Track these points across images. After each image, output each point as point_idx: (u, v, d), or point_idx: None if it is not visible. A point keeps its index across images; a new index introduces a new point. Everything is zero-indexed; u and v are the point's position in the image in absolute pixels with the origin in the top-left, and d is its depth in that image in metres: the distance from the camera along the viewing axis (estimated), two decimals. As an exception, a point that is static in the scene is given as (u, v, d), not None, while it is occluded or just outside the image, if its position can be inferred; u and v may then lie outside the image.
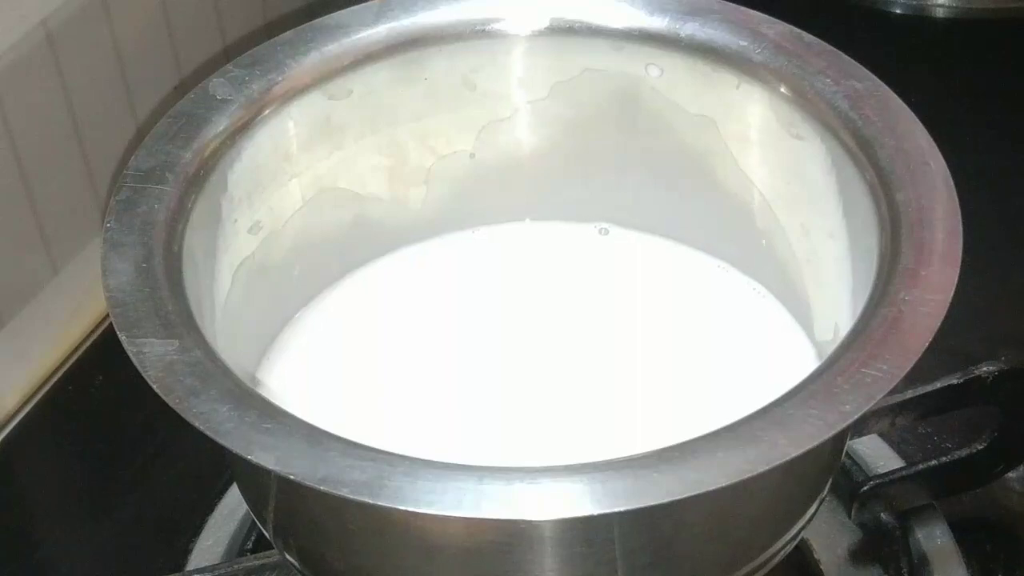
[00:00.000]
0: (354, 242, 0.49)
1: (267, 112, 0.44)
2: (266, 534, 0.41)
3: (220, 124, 0.42)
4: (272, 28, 0.68)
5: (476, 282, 0.50)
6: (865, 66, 0.43)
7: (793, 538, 0.40)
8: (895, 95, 0.42)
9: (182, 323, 0.36)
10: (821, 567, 0.47)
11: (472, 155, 0.49)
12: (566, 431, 0.44)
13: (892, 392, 0.34)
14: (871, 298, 0.36)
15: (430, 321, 0.48)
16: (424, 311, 0.49)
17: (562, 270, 0.50)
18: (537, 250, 0.51)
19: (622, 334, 0.47)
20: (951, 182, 0.39)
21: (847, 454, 0.48)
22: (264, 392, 0.36)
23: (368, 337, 0.48)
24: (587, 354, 0.47)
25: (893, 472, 0.47)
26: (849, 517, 0.48)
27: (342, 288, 0.49)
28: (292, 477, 0.32)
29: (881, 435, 0.50)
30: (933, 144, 0.40)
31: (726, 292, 0.49)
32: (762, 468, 0.31)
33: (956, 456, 0.45)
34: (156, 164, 0.41)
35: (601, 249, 0.51)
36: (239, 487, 0.43)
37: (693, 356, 0.46)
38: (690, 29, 0.45)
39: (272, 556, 0.43)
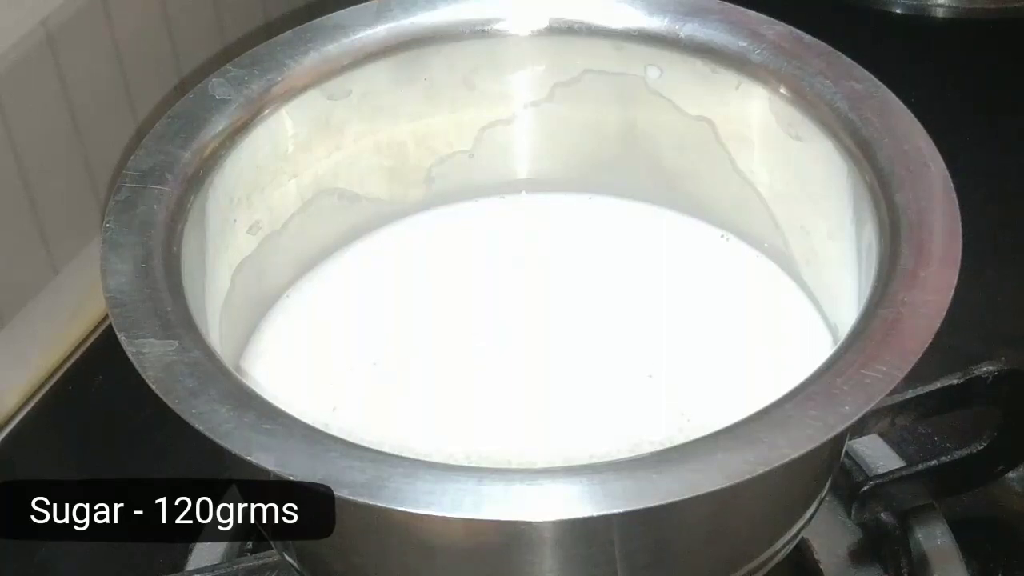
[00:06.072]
0: (353, 242, 0.49)
1: (266, 112, 0.44)
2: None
3: (219, 124, 0.42)
4: (272, 28, 0.68)
5: (469, 258, 0.49)
6: (865, 66, 0.43)
7: (793, 538, 0.40)
8: (894, 96, 0.42)
9: (181, 323, 0.36)
10: (821, 567, 0.47)
11: (471, 155, 0.49)
12: (576, 412, 0.43)
13: (892, 392, 0.34)
14: (871, 299, 0.36)
15: (420, 298, 0.47)
16: (413, 288, 0.48)
17: (558, 248, 0.50)
18: (534, 228, 0.50)
19: (628, 309, 0.46)
20: (950, 183, 0.39)
21: (847, 454, 0.48)
22: (249, 382, 0.36)
23: (352, 318, 0.47)
24: (597, 329, 0.46)
25: (893, 472, 0.47)
26: (849, 517, 0.48)
27: (322, 271, 0.49)
28: (291, 478, 0.32)
29: (881, 435, 0.50)
30: (932, 145, 0.40)
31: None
32: (761, 470, 0.31)
33: (956, 456, 0.45)
34: (155, 164, 0.41)
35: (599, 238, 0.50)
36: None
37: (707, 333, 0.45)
38: (689, 30, 0.45)
39: (272, 556, 0.43)
